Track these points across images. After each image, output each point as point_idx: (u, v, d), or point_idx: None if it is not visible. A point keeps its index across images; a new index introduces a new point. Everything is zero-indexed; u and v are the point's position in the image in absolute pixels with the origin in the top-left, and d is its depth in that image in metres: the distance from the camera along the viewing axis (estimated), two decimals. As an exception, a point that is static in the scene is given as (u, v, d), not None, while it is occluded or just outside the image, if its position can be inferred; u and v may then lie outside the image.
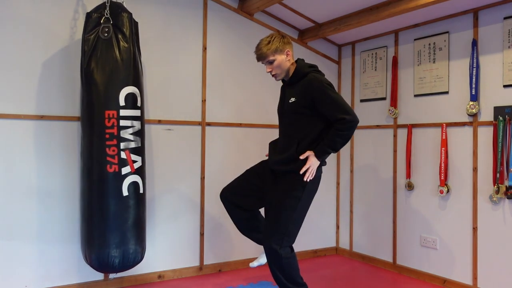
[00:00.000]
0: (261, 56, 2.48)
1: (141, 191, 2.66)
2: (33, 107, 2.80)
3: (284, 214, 2.42)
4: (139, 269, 3.13)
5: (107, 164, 2.51)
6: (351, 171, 4.02)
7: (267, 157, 2.66)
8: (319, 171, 2.51)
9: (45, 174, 2.83)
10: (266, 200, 2.55)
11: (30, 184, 2.78)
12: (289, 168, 2.44)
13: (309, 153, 2.40)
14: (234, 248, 3.57)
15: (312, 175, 2.40)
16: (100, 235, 2.51)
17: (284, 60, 2.48)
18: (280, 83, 2.67)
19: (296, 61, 2.54)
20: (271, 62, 2.48)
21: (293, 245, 2.56)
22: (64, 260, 2.89)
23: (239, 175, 2.74)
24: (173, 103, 3.31)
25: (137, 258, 2.64)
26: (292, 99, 2.48)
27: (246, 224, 2.70)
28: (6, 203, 2.72)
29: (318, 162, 2.41)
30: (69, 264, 2.90)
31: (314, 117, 2.43)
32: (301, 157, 2.40)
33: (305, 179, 2.39)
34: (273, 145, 2.63)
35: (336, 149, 2.42)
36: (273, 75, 2.52)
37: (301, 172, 2.38)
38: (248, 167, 2.76)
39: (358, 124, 4.03)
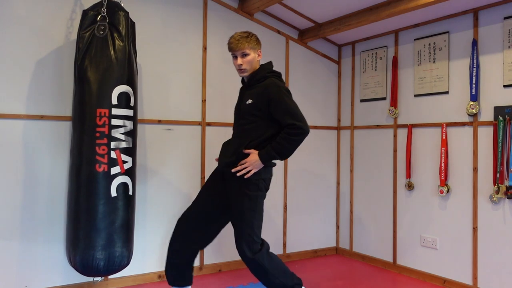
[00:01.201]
0: (237, 47, 2.45)
1: (130, 192, 2.59)
2: (33, 107, 2.80)
3: (246, 218, 2.42)
4: (139, 269, 3.13)
5: (96, 163, 2.46)
6: (351, 171, 4.02)
7: (216, 161, 2.64)
8: (268, 173, 2.50)
9: (46, 174, 2.83)
10: (227, 211, 2.53)
11: (30, 184, 2.78)
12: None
13: (252, 151, 2.40)
14: (234, 248, 3.55)
15: (247, 173, 2.38)
16: (86, 236, 2.43)
17: (255, 58, 2.50)
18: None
19: (261, 65, 2.56)
20: (245, 55, 2.46)
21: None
22: (65, 259, 2.88)
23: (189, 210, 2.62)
24: (173, 103, 3.31)
25: (123, 262, 2.55)
26: (250, 101, 2.47)
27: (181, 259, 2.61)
28: (7, 203, 2.72)
29: (259, 163, 2.38)
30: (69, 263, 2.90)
31: (267, 121, 2.43)
32: (245, 151, 2.40)
33: (237, 174, 2.37)
34: (225, 146, 2.60)
35: (281, 154, 2.39)
36: (241, 69, 2.48)
37: (236, 168, 2.38)
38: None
39: (358, 124, 4.05)
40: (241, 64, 2.47)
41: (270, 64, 2.59)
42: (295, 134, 2.36)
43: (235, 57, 2.50)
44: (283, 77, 3.82)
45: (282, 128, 2.39)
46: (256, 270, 2.47)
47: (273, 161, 2.46)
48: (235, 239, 2.49)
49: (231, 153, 2.47)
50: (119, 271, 2.59)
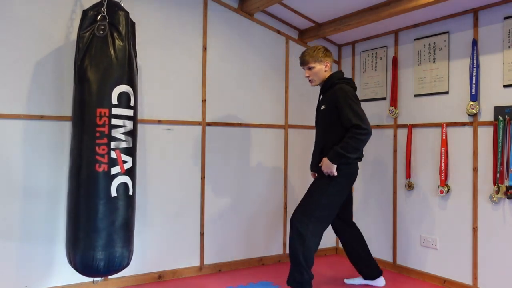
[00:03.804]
0: (303, 62, 2.92)
1: (131, 192, 2.57)
2: (33, 107, 2.80)
3: (313, 197, 2.80)
4: (139, 269, 3.14)
5: (96, 163, 2.44)
6: (351, 171, 4.02)
7: None
8: (353, 168, 2.86)
9: (45, 174, 2.83)
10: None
11: (30, 184, 2.78)
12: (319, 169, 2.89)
13: (324, 159, 2.77)
14: (234, 248, 3.57)
15: (331, 173, 2.76)
16: (86, 236, 2.41)
17: (322, 70, 2.90)
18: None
19: (330, 74, 2.92)
20: (310, 68, 2.91)
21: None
22: (64, 260, 2.88)
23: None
24: (173, 103, 3.31)
25: (123, 262, 2.53)
26: (323, 106, 2.89)
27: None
28: (6, 203, 2.72)
29: (331, 164, 2.72)
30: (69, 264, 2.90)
31: (338, 125, 2.77)
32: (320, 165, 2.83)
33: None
34: (314, 149, 3.03)
35: (347, 151, 2.68)
36: (310, 80, 2.95)
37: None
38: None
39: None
40: (309, 76, 2.94)
41: (339, 72, 2.97)
42: (361, 134, 2.67)
43: (304, 69, 2.96)
44: (283, 77, 3.83)
45: (347, 130, 2.71)
46: (296, 236, 2.75)
47: (353, 156, 2.76)
48: (295, 210, 2.85)
49: (314, 155, 2.96)
50: (119, 271, 2.57)
